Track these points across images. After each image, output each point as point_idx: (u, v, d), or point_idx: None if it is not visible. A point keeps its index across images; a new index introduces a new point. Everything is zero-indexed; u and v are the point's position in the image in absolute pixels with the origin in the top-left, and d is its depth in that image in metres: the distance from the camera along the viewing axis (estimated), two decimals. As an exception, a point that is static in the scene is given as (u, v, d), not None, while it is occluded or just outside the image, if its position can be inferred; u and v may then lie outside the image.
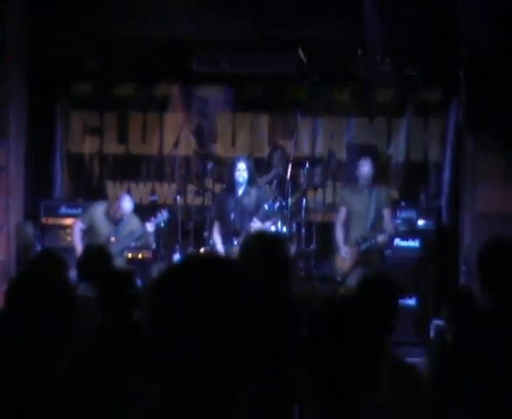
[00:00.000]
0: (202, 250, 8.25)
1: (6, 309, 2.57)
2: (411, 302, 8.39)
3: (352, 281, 7.66)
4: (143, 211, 8.82)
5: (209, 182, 9.76)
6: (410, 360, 4.20)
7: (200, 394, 1.43)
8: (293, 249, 8.76)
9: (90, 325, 3.82)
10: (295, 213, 8.92)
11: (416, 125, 9.90)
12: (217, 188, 9.49)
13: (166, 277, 1.51)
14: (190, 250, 8.63)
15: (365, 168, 7.99)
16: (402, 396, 3.28)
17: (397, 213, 8.97)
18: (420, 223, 9.00)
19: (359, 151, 9.31)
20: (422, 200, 9.71)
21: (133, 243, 8.27)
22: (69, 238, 8.66)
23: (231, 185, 7.85)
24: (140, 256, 9.12)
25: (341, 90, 9.99)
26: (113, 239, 7.85)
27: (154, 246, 8.59)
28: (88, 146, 10.50)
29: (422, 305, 8.38)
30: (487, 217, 8.20)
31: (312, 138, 10.12)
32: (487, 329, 3.49)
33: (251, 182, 7.82)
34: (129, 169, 10.42)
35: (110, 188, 10.39)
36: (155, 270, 8.78)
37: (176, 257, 8.64)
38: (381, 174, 9.67)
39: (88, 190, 10.25)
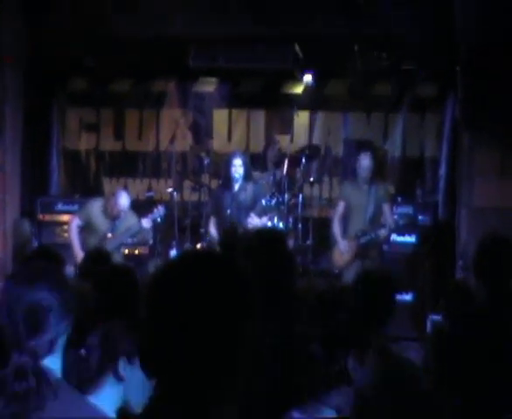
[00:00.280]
0: (198, 245, 8.24)
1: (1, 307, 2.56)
2: (408, 297, 8.40)
3: (350, 275, 7.66)
4: (140, 207, 8.81)
5: (205, 178, 9.76)
6: (406, 355, 4.21)
7: (197, 390, 1.43)
8: (290, 244, 8.77)
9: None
10: (292, 208, 8.93)
11: (412, 120, 9.90)
12: (214, 183, 9.50)
13: (162, 272, 1.52)
14: (187, 245, 8.62)
15: (365, 162, 7.97)
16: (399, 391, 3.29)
17: (394, 208, 8.98)
18: (417, 218, 9.01)
19: (358, 145, 9.29)
20: (418, 195, 9.72)
21: (129, 240, 8.26)
22: (66, 235, 8.65)
23: (228, 181, 7.85)
24: (136, 252, 9.12)
25: (337, 85, 9.99)
26: (109, 235, 7.84)
27: (151, 242, 8.58)
28: (85, 142, 10.50)
29: (419, 301, 8.39)
30: (483, 212, 8.20)
31: (308, 133, 10.12)
32: (483, 322, 3.50)
33: (247, 177, 7.82)
34: (126, 166, 10.42)
35: (107, 184, 10.39)
36: (152, 266, 8.78)
37: (173, 252, 8.64)
38: (378, 169, 9.69)
39: (85, 187, 10.24)
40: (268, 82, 10.05)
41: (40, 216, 9.49)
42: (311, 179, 9.39)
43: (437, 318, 5.61)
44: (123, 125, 10.45)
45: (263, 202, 7.66)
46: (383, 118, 10.02)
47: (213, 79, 10.14)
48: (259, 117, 10.28)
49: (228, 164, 7.91)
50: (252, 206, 7.68)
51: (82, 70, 9.90)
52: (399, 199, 9.34)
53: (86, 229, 7.91)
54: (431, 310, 7.36)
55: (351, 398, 2.49)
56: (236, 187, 7.75)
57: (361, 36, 8.59)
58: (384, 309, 3.64)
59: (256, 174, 8.90)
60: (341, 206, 8.12)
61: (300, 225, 8.90)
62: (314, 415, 2.30)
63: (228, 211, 7.69)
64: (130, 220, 7.96)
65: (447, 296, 4.96)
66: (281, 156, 9.41)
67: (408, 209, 9.07)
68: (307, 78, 9.64)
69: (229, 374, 1.45)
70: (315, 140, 10.12)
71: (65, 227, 8.75)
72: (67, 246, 8.00)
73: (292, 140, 9.69)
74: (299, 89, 9.98)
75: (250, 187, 7.79)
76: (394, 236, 8.89)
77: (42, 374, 2.27)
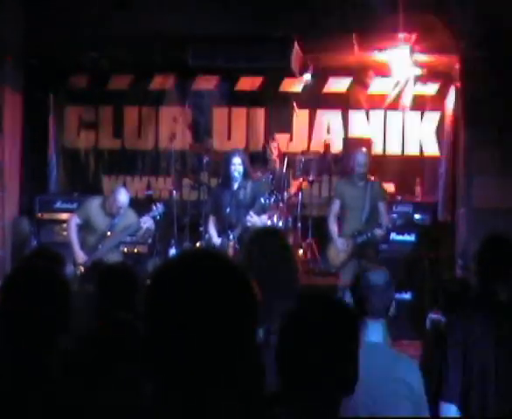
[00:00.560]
0: (198, 244, 8.23)
1: (1, 305, 2.56)
2: (407, 296, 8.40)
3: (348, 274, 7.65)
4: (139, 206, 8.80)
5: (204, 177, 9.76)
6: (405, 354, 4.20)
7: (196, 389, 1.43)
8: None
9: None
10: (291, 207, 8.92)
11: (412, 119, 9.90)
12: (213, 182, 9.49)
13: (162, 271, 1.51)
14: (186, 244, 8.62)
15: (361, 158, 7.96)
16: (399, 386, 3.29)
17: (393, 207, 8.98)
18: (416, 217, 9.01)
19: (355, 143, 9.28)
20: (418, 194, 9.71)
21: (128, 238, 8.25)
22: (65, 233, 8.64)
23: (227, 179, 7.83)
24: (135, 250, 9.11)
25: (337, 83, 9.98)
26: (108, 233, 7.83)
27: (150, 241, 8.58)
28: (84, 140, 10.50)
29: (418, 299, 8.39)
30: (482, 211, 8.20)
31: (308, 131, 10.11)
32: (482, 318, 3.50)
33: (246, 175, 7.80)
34: (125, 164, 10.42)
35: (106, 182, 10.38)
36: (151, 264, 8.77)
37: (172, 251, 8.64)
38: (377, 167, 9.69)
39: (84, 185, 10.23)
40: (268, 80, 10.05)
41: (39, 215, 9.48)
42: (310, 177, 9.39)
43: (436, 316, 5.60)
44: (122, 123, 10.45)
45: (262, 200, 7.65)
46: (382, 116, 10.01)
47: (213, 77, 10.13)
48: (259, 115, 10.28)
49: (227, 162, 7.89)
50: (251, 204, 7.66)
51: (81, 68, 9.90)
52: (399, 198, 9.33)
53: (85, 227, 7.89)
54: (430, 309, 7.36)
55: None
56: (235, 185, 7.74)
57: (360, 33, 8.58)
58: (383, 308, 3.63)
59: (256, 173, 8.89)
60: (336, 204, 8.11)
61: (299, 224, 8.90)
62: None
63: (227, 210, 7.68)
64: (129, 218, 7.95)
65: (446, 294, 4.96)
66: (278, 155, 9.42)
67: (407, 208, 9.06)
68: (307, 76, 9.63)
69: (229, 372, 1.45)
70: (315, 139, 10.11)
71: (64, 225, 8.73)
72: (66, 245, 7.99)
73: (291, 139, 9.69)
74: (298, 87, 9.97)
75: (249, 185, 7.78)
76: (393, 236, 8.88)
77: None
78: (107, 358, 2.82)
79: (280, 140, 9.87)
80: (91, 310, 3.90)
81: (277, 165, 9.31)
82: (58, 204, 9.54)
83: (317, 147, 10.07)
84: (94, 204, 7.94)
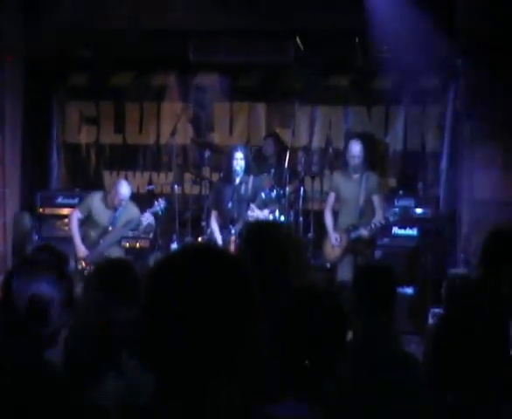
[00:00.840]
0: (199, 239, 8.23)
1: (3, 300, 2.55)
2: (409, 291, 8.39)
3: (343, 270, 7.64)
4: (141, 200, 8.80)
5: (206, 171, 9.75)
6: (407, 348, 4.20)
7: (196, 382, 1.42)
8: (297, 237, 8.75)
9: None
10: (293, 201, 8.91)
11: (413, 113, 9.88)
12: (215, 177, 9.49)
13: (162, 265, 1.50)
14: (188, 239, 8.61)
15: (355, 148, 7.90)
16: (399, 383, 3.29)
17: (395, 201, 8.97)
18: (418, 211, 8.99)
19: (351, 135, 9.22)
20: (420, 188, 9.70)
21: (130, 233, 8.25)
22: (66, 228, 8.64)
23: (229, 174, 7.83)
24: (137, 245, 9.12)
25: (339, 78, 9.96)
26: (110, 228, 7.83)
27: (151, 236, 8.57)
28: (85, 136, 10.49)
29: (420, 294, 8.38)
30: (484, 205, 8.19)
31: (310, 126, 10.10)
32: (483, 315, 3.49)
33: (248, 170, 7.80)
34: (126, 159, 10.41)
35: (107, 178, 10.38)
36: (153, 259, 8.77)
37: (174, 246, 8.62)
38: (378, 162, 9.68)
39: (85, 180, 10.23)
40: (269, 75, 10.03)
41: (40, 210, 9.49)
42: (312, 172, 9.37)
43: (438, 311, 5.60)
44: (123, 118, 10.43)
45: (262, 195, 7.64)
46: (384, 111, 10.00)
47: (214, 73, 10.12)
48: (260, 110, 10.26)
49: (229, 157, 7.89)
50: (252, 199, 7.67)
51: (82, 63, 9.88)
52: (400, 192, 9.32)
53: (87, 222, 7.90)
54: (432, 303, 7.36)
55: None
56: (237, 180, 7.73)
57: (361, 28, 8.55)
58: (385, 302, 3.63)
59: (258, 167, 8.88)
60: (331, 197, 8.09)
61: (301, 218, 8.89)
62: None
63: (229, 204, 7.68)
64: (131, 212, 7.95)
65: (448, 288, 4.95)
66: (281, 151, 9.40)
67: (409, 202, 9.04)
68: (308, 71, 9.61)
69: (229, 365, 1.44)
70: (316, 134, 10.11)
71: (66, 220, 8.74)
72: (68, 239, 8.00)
73: (293, 134, 9.67)
74: (300, 82, 9.95)
75: (250, 180, 7.78)
76: (395, 230, 8.87)
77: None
78: (108, 357, 2.83)
79: (282, 135, 9.86)
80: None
81: (276, 160, 9.30)
82: (60, 200, 9.55)
83: (319, 141, 10.07)
84: (96, 198, 7.94)
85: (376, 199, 7.91)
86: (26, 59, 9.21)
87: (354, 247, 7.77)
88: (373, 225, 7.75)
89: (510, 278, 3.44)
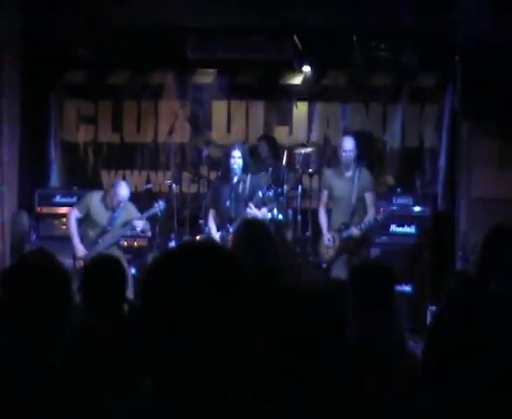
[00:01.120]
0: (198, 237, 8.23)
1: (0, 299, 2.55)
2: (408, 288, 8.39)
3: (338, 270, 7.62)
4: (139, 200, 8.80)
5: (204, 170, 9.74)
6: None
7: (194, 383, 1.42)
8: (289, 235, 8.75)
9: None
10: (291, 200, 8.91)
11: (411, 111, 9.88)
12: (213, 175, 9.48)
13: (159, 263, 1.50)
14: (186, 237, 8.60)
15: (347, 143, 7.85)
16: (399, 381, 3.29)
17: (393, 199, 8.97)
18: (416, 209, 9.00)
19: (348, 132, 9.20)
20: (418, 186, 9.70)
21: (129, 231, 8.25)
22: (64, 227, 8.64)
23: (227, 172, 7.82)
24: (135, 244, 9.12)
25: (336, 76, 9.96)
26: (109, 228, 7.83)
27: (150, 234, 8.57)
28: (83, 135, 10.48)
29: (418, 292, 8.38)
30: (482, 203, 8.20)
31: (307, 124, 10.10)
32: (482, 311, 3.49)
33: (246, 169, 7.79)
34: (124, 158, 10.39)
35: (105, 176, 10.37)
36: (151, 258, 8.76)
37: (172, 244, 8.62)
38: (376, 160, 9.68)
39: (83, 179, 10.22)
40: (267, 73, 10.02)
41: (38, 209, 9.48)
42: (310, 170, 9.37)
43: (436, 309, 5.60)
44: (121, 117, 10.42)
45: (260, 193, 7.63)
46: (381, 109, 9.99)
47: (212, 71, 10.11)
48: (258, 108, 10.25)
49: (227, 156, 7.89)
50: (250, 198, 7.66)
51: (80, 62, 9.87)
52: (398, 190, 9.32)
53: (86, 221, 7.89)
54: (430, 301, 7.37)
55: None
56: (235, 178, 7.73)
57: (359, 26, 8.56)
58: (382, 300, 3.63)
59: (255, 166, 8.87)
60: (324, 195, 8.05)
61: (299, 217, 8.89)
62: None
63: (227, 203, 7.67)
64: (130, 212, 7.95)
65: (448, 287, 4.95)
66: (275, 151, 9.41)
67: (407, 200, 9.05)
68: (306, 69, 9.61)
69: (227, 365, 1.43)
70: (314, 132, 10.10)
71: (64, 219, 8.73)
72: (66, 239, 7.99)
73: (291, 132, 9.67)
74: (298, 80, 9.95)
75: (248, 179, 7.77)
76: (393, 228, 8.88)
77: None
78: (108, 355, 2.83)
79: (280, 133, 9.86)
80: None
81: (272, 159, 9.30)
82: (58, 198, 9.54)
83: (317, 139, 10.07)
84: (95, 198, 7.93)
85: (368, 196, 7.85)
86: (24, 58, 9.20)
87: (346, 246, 7.75)
88: (363, 225, 7.71)
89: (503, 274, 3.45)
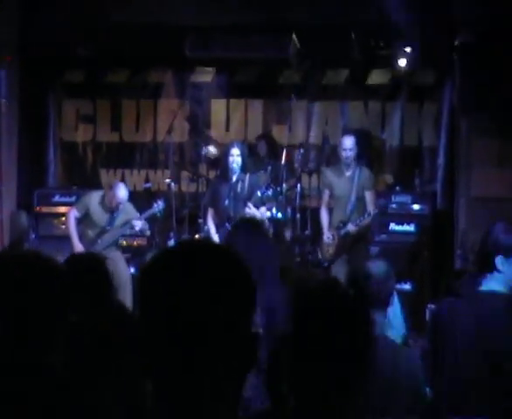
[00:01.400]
0: (197, 236, 8.23)
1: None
2: (407, 287, 8.39)
3: (338, 269, 7.62)
4: (138, 199, 8.80)
5: (203, 169, 9.74)
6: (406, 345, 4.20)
7: (194, 384, 1.41)
8: (288, 234, 8.75)
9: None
10: (290, 199, 8.91)
11: (410, 109, 9.88)
12: (212, 174, 9.48)
13: (157, 261, 1.49)
14: (185, 236, 8.60)
15: (347, 142, 7.83)
16: (398, 378, 3.29)
17: (392, 198, 8.97)
18: (415, 207, 9.00)
19: (344, 130, 9.19)
20: (417, 185, 9.69)
21: (128, 231, 8.25)
22: (63, 227, 8.64)
23: (225, 171, 7.82)
24: (135, 243, 9.12)
25: (335, 74, 9.96)
26: (108, 228, 7.84)
27: (149, 233, 8.57)
28: (81, 134, 10.48)
29: (417, 290, 8.39)
30: (481, 201, 8.20)
31: (306, 123, 10.10)
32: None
33: (245, 168, 7.78)
34: (123, 157, 10.39)
35: (104, 176, 10.37)
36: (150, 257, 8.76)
37: (171, 243, 8.62)
38: (375, 158, 9.68)
39: (82, 178, 10.22)
40: (266, 72, 10.02)
41: (37, 208, 9.47)
42: (309, 169, 9.37)
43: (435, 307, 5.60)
44: (120, 116, 10.42)
45: (259, 193, 7.62)
46: (380, 107, 10.00)
47: (210, 69, 10.11)
48: (257, 107, 10.26)
49: (226, 154, 7.88)
50: (249, 197, 7.65)
51: (78, 61, 9.86)
52: (397, 188, 9.32)
53: (85, 220, 7.89)
54: (430, 299, 7.36)
55: None
56: (234, 177, 7.72)
57: (358, 24, 8.56)
58: (383, 300, 3.63)
59: (254, 165, 8.88)
60: (326, 194, 8.03)
61: (298, 215, 8.89)
62: None
63: (226, 202, 7.66)
64: (129, 213, 7.95)
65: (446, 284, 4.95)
66: (274, 149, 9.42)
67: (406, 199, 9.05)
68: (305, 67, 9.61)
69: (226, 363, 1.43)
70: (313, 130, 10.10)
71: (63, 219, 8.73)
72: (65, 238, 7.99)
73: (290, 130, 9.67)
74: (297, 79, 9.95)
75: (247, 178, 7.76)
76: (392, 226, 8.88)
77: None
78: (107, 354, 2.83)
79: (279, 131, 9.86)
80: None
81: (269, 159, 9.31)
82: (57, 198, 9.54)
83: (315, 138, 10.07)
84: (94, 199, 7.93)
85: (367, 195, 7.83)
86: (22, 57, 9.20)
87: (344, 244, 7.75)
88: (359, 220, 7.69)
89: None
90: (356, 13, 8.45)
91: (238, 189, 7.67)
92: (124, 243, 8.72)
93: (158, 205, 8.10)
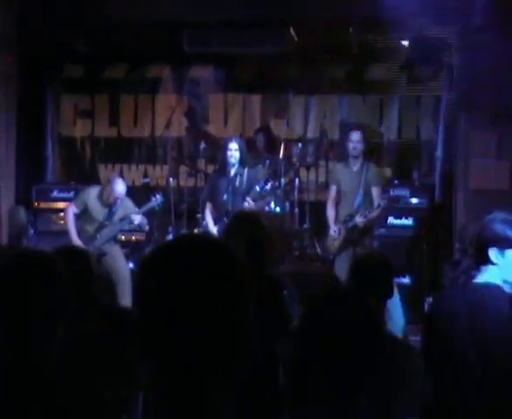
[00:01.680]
0: (195, 231, 8.23)
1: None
2: (406, 280, 8.39)
3: (341, 263, 7.62)
4: (136, 194, 8.80)
5: (201, 163, 9.73)
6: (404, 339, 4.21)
7: (194, 377, 1.41)
8: (287, 228, 8.75)
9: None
10: (288, 193, 8.91)
11: (408, 102, 9.88)
12: (210, 169, 9.47)
13: (155, 255, 1.49)
14: (183, 231, 8.60)
15: (354, 135, 7.84)
16: (398, 373, 3.29)
17: (391, 191, 8.96)
18: (413, 200, 9.00)
19: (350, 125, 9.19)
20: (415, 178, 9.69)
21: (127, 226, 8.25)
22: (62, 222, 8.64)
23: (224, 165, 7.81)
24: (133, 238, 9.12)
25: (333, 68, 9.95)
26: (106, 223, 7.83)
27: (147, 228, 8.57)
28: (80, 129, 10.47)
29: (416, 283, 8.39)
30: (480, 194, 8.20)
31: (304, 117, 10.09)
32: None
33: (243, 162, 7.77)
34: (121, 152, 10.38)
35: (102, 171, 10.36)
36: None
37: (170, 238, 8.62)
38: (374, 152, 9.67)
39: (80, 174, 10.22)
40: (264, 66, 10.01)
41: (36, 204, 9.47)
42: (307, 163, 9.37)
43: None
44: (118, 111, 10.41)
45: (257, 188, 7.62)
46: (378, 100, 9.99)
47: (208, 64, 10.10)
48: (255, 101, 10.25)
49: (224, 149, 7.88)
50: (247, 191, 7.65)
51: (76, 57, 9.85)
52: (396, 182, 9.32)
53: (83, 216, 7.89)
54: (428, 292, 7.37)
55: None
56: (232, 172, 7.71)
57: (356, 18, 8.54)
58: (382, 293, 3.64)
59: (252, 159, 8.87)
60: (333, 190, 8.03)
61: (296, 209, 8.89)
62: None
63: (224, 197, 7.66)
64: (127, 208, 7.95)
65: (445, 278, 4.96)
66: (272, 143, 9.41)
67: (405, 192, 9.05)
68: (302, 61, 9.60)
69: (226, 362, 1.43)
70: (311, 124, 10.10)
71: (61, 214, 8.73)
72: (64, 233, 7.99)
73: (288, 124, 9.66)
74: (294, 73, 9.94)
75: (245, 172, 7.76)
76: (391, 220, 8.87)
77: None
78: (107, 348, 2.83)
79: (277, 125, 9.85)
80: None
81: (266, 152, 9.30)
82: (55, 193, 9.54)
83: (313, 132, 10.07)
84: (92, 194, 7.92)
85: (374, 191, 7.85)
86: (21, 52, 9.18)
87: (351, 237, 7.75)
88: (367, 212, 7.70)
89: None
90: (353, 7, 8.43)
91: (237, 184, 7.66)
92: (123, 238, 8.72)
93: (156, 199, 8.11)
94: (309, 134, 10.10)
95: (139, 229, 8.45)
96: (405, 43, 8.96)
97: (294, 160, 9.17)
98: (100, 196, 7.88)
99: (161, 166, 10.20)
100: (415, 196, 9.01)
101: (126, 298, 7.17)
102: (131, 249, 8.88)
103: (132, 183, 9.78)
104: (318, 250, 8.75)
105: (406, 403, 3.29)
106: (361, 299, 2.22)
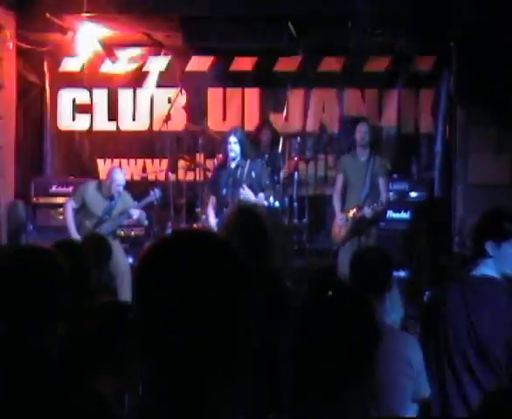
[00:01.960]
0: (195, 225, 8.22)
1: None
2: (405, 274, 8.40)
3: (345, 254, 7.63)
4: (135, 188, 8.79)
5: (200, 158, 9.72)
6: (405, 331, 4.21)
7: (194, 376, 1.40)
8: (285, 222, 8.75)
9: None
10: (287, 187, 8.90)
11: (407, 97, 9.87)
12: (209, 163, 9.46)
13: (154, 249, 1.48)
14: (183, 226, 8.60)
15: (364, 128, 7.96)
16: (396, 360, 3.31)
17: (390, 185, 8.96)
18: (412, 194, 9.00)
19: (355, 118, 9.20)
20: (414, 172, 9.70)
21: (125, 221, 8.25)
22: (61, 217, 8.63)
23: (225, 159, 7.81)
24: (132, 233, 9.11)
25: (332, 62, 9.93)
26: (105, 218, 7.84)
27: (146, 223, 8.57)
28: (78, 124, 10.44)
29: (415, 277, 8.39)
30: (479, 188, 8.21)
31: (303, 111, 10.08)
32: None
33: (245, 154, 7.74)
34: (120, 147, 10.36)
35: (101, 165, 10.34)
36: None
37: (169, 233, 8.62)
38: (373, 146, 9.66)
39: (79, 169, 10.19)
40: (262, 60, 10.00)
41: (35, 199, 9.46)
42: (306, 157, 9.37)
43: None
44: (117, 106, 10.38)
45: (267, 182, 7.65)
46: (377, 94, 9.98)
47: (207, 58, 10.08)
48: (254, 95, 10.23)
49: (224, 142, 7.87)
50: (249, 183, 7.62)
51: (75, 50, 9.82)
52: (395, 176, 9.32)
53: (82, 211, 7.89)
54: (427, 286, 7.37)
55: None
56: (233, 164, 7.69)
57: (355, 11, 8.52)
58: (382, 286, 3.64)
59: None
60: (339, 180, 8.08)
61: (295, 204, 8.88)
62: None
63: (224, 190, 7.65)
64: (126, 202, 7.95)
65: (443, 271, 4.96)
66: (275, 137, 9.39)
67: (404, 186, 9.05)
68: (301, 55, 9.59)
69: (225, 362, 1.42)
70: (310, 118, 10.08)
71: (60, 209, 8.73)
72: (63, 228, 7.99)
73: (286, 119, 9.65)
74: (293, 67, 9.93)
75: (247, 164, 7.73)
76: (390, 213, 8.87)
77: None
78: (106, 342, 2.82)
79: (276, 120, 9.84)
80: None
81: (269, 147, 9.29)
82: (54, 188, 9.52)
83: (313, 126, 10.05)
84: (91, 188, 7.93)
85: (381, 182, 7.94)
86: (20, 46, 9.17)
87: (358, 227, 7.78)
88: (375, 204, 7.74)
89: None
90: (352, 0, 8.41)
91: (238, 175, 7.63)
92: (122, 233, 8.71)
93: (155, 193, 8.10)
94: (308, 128, 10.09)
95: (138, 223, 8.45)
96: (405, 37, 8.95)
97: (293, 154, 9.16)
98: (99, 189, 7.89)
99: (160, 160, 10.19)
100: (414, 190, 9.02)
101: (125, 294, 7.17)
102: (130, 244, 8.87)
103: (131, 178, 9.76)
104: (323, 241, 8.76)
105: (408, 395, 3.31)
106: (359, 293, 2.22)
